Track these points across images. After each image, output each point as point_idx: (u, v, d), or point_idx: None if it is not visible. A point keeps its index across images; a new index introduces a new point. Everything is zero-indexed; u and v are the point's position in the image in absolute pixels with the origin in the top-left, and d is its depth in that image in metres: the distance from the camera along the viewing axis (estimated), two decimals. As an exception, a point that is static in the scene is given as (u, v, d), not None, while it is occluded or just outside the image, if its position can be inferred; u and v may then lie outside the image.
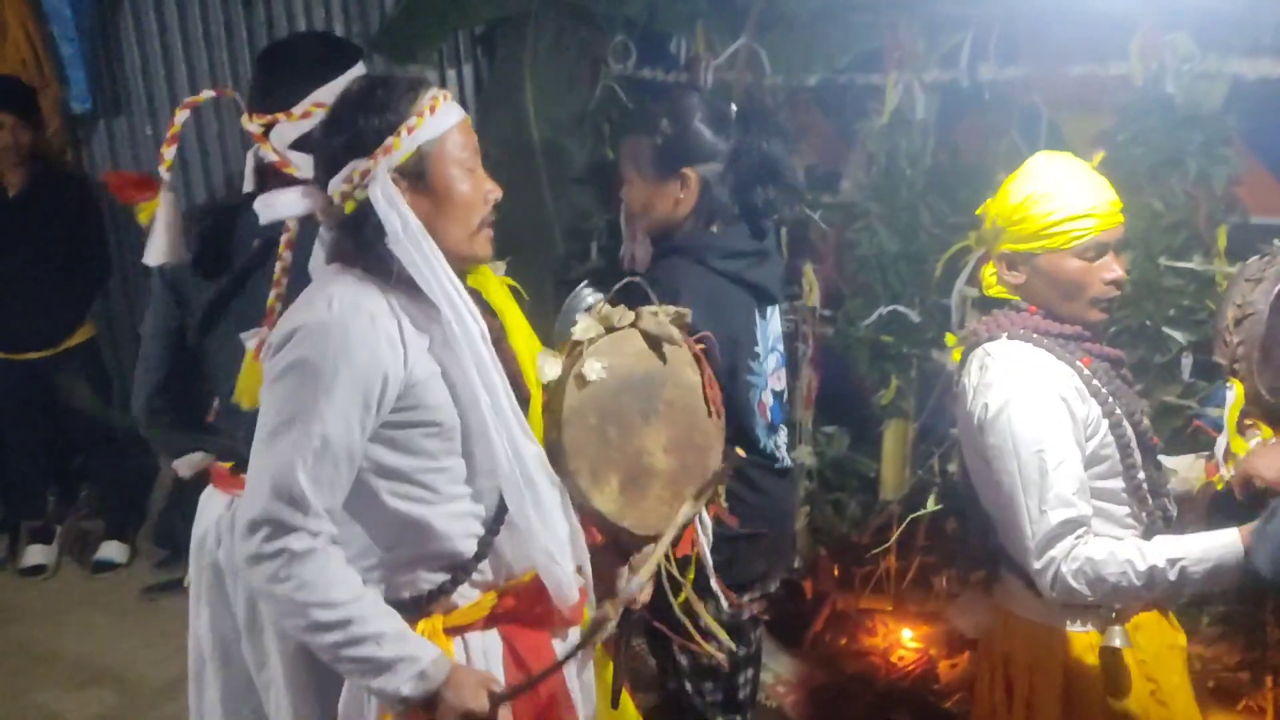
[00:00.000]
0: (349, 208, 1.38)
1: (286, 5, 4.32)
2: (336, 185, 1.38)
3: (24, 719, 3.05)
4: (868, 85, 2.95)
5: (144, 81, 4.20)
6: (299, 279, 1.60)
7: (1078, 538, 1.55)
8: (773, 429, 2.11)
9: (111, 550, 3.92)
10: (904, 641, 3.09)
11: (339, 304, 1.36)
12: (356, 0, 4.42)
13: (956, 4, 2.64)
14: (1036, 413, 1.58)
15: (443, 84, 4.62)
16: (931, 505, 1.85)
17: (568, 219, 4.12)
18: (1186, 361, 2.40)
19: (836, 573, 3.37)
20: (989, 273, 1.78)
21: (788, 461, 2.16)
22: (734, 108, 2.06)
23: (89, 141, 4.20)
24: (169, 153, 1.81)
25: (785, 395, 2.19)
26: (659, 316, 1.62)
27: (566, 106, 3.92)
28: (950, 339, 1.82)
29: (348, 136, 1.37)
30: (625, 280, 1.74)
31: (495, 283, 1.59)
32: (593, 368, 1.52)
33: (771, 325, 2.12)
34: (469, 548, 1.46)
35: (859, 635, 3.15)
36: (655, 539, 1.59)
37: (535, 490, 1.43)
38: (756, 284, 2.03)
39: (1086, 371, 1.65)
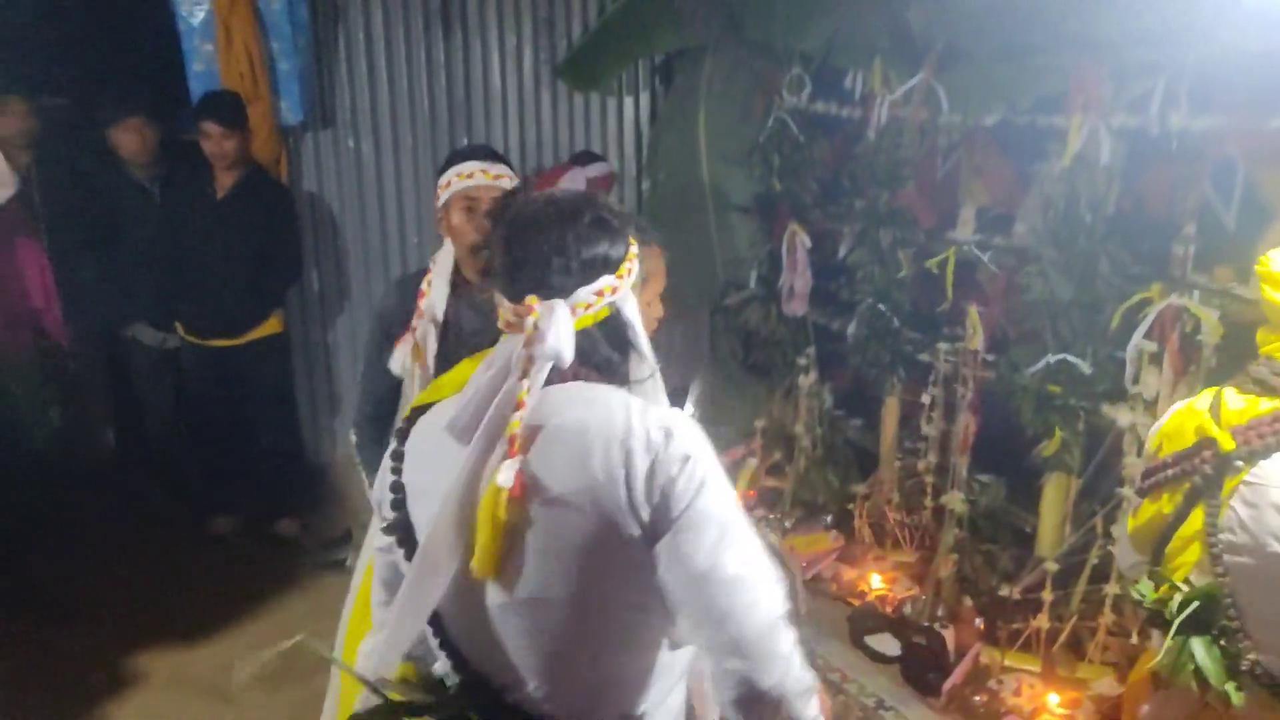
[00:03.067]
0: (593, 319, 1.38)
1: (481, 34, 4.59)
2: (585, 295, 1.37)
3: (198, 669, 3.36)
4: (1049, 127, 2.87)
5: (350, 97, 4.54)
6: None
7: None
8: None
9: (286, 526, 4.23)
10: (1049, 706, 2.94)
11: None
12: (546, 31, 4.65)
13: (1148, 49, 2.53)
14: None
15: (620, 111, 4.83)
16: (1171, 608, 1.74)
17: (730, 247, 4.16)
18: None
19: (982, 626, 3.26)
20: None
21: None
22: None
23: (298, 152, 4.55)
24: None
25: None
26: None
27: (737, 136, 3.97)
28: (1226, 437, 1.62)
29: (605, 251, 1.39)
30: None
31: None
32: None
33: None
34: None
35: (1001, 693, 3.03)
36: None
37: None
38: None
39: None
